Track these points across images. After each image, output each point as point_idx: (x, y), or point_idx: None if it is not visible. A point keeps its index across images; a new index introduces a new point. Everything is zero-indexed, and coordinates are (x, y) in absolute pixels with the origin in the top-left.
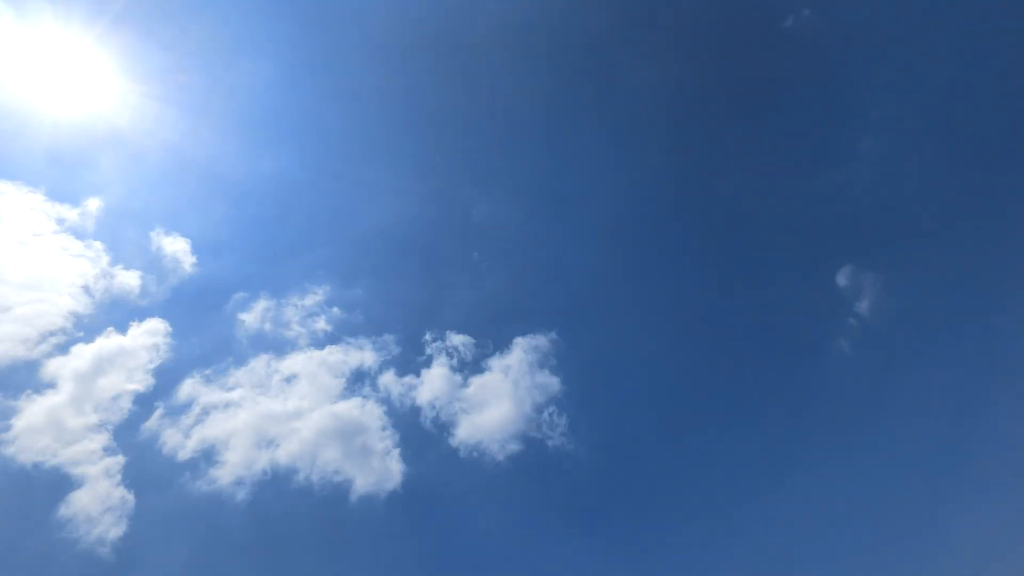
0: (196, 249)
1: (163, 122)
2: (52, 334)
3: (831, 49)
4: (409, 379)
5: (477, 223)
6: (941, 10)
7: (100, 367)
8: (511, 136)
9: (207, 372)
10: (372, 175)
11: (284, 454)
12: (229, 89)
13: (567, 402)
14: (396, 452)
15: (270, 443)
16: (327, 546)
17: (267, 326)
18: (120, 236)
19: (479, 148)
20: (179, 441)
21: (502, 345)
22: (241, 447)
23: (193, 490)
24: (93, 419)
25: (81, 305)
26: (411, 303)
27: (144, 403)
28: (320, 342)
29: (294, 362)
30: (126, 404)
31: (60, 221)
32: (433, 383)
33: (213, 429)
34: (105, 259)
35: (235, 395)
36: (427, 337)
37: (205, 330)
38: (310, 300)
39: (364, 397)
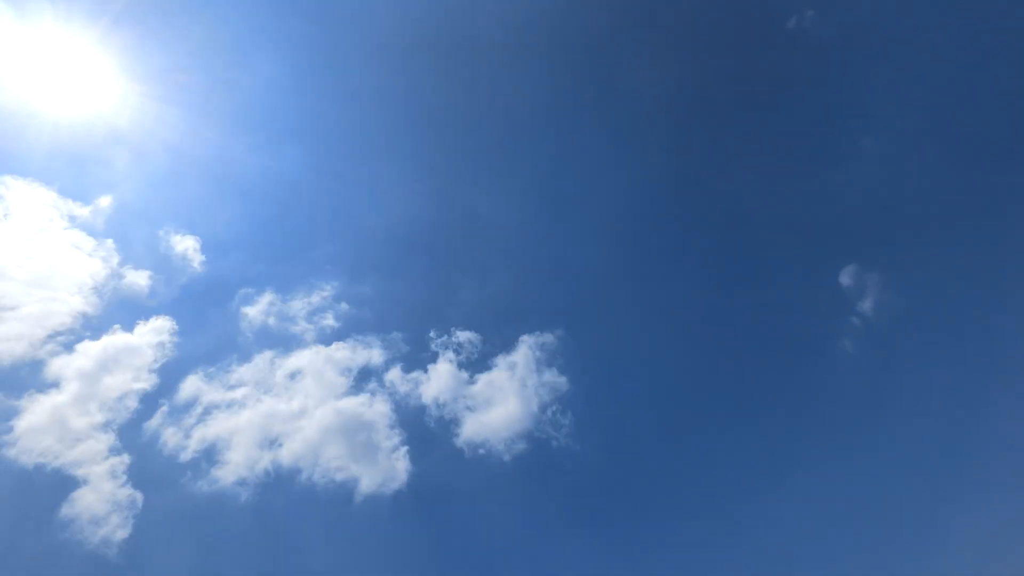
0: (205, 247)
1: (171, 121)
2: (59, 333)
3: (834, 49)
4: (415, 376)
5: (483, 221)
6: (942, 11)
7: (106, 366)
8: (518, 135)
9: (214, 370)
10: (379, 173)
11: (291, 451)
12: (237, 88)
13: (572, 400)
14: (402, 449)
15: (276, 441)
16: (334, 542)
17: (275, 324)
18: (130, 234)
19: (486, 147)
20: (187, 440)
21: (508, 343)
22: (248, 445)
23: (199, 489)
24: (98, 418)
25: (89, 303)
26: (417, 300)
27: (150, 402)
28: (327, 339)
29: (301, 359)
30: (132, 403)
31: (72, 219)
32: (439, 380)
33: (220, 427)
34: (115, 257)
35: (242, 393)
36: (433, 334)
37: (213, 328)
38: (317, 297)
39: (371, 394)
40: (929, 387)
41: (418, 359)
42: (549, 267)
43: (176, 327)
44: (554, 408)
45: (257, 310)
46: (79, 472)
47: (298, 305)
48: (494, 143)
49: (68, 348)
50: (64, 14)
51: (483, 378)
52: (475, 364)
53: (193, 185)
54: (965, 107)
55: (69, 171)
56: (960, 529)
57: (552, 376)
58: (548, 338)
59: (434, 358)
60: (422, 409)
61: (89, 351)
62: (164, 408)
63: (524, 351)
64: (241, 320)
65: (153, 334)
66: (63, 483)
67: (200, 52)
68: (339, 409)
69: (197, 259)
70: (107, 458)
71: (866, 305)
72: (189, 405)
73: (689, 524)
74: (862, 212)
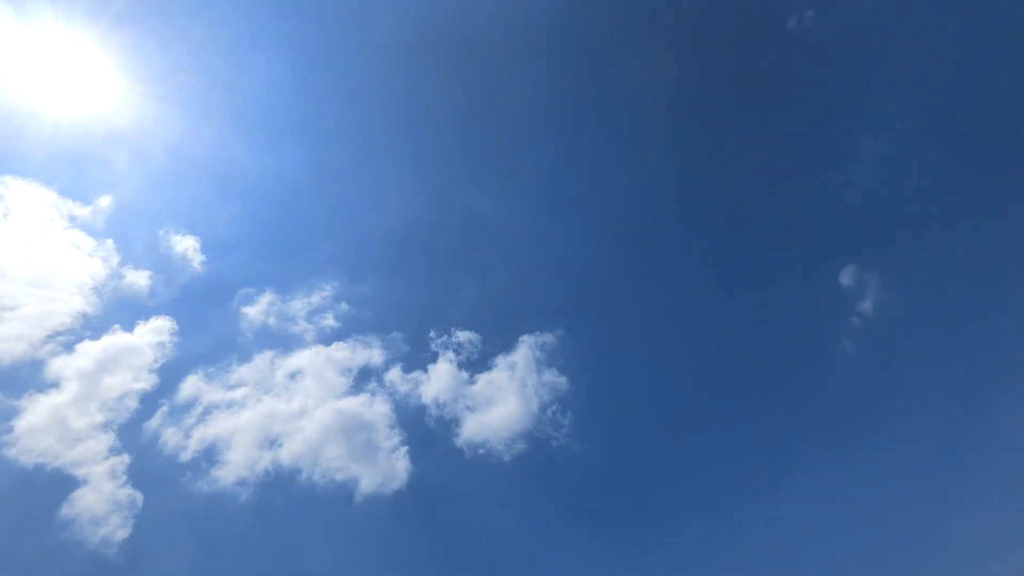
0: (205, 247)
1: (171, 121)
2: (59, 333)
3: (834, 49)
4: (415, 376)
5: (483, 221)
6: (942, 10)
7: (106, 366)
8: (518, 135)
9: (214, 370)
10: (379, 173)
11: (291, 451)
12: (237, 88)
13: (572, 400)
14: (402, 449)
15: (276, 441)
16: (334, 542)
17: (275, 324)
18: (130, 234)
19: (486, 147)
20: (187, 440)
21: (508, 343)
22: (248, 445)
23: (200, 489)
24: (98, 418)
25: (89, 303)
26: (417, 300)
27: (150, 402)
28: (327, 339)
29: (301, 359)
30: (132, 403)
31: (72, 219)
32: (439, 380)
33: (220, 427)
34: (115, 257)
35: (242, 393)
36: (433, 334)
37: (213, 328)
38: (317, 297)
39: (371, 394)
40: (929, 387)
41: (418, 359)
42: (549, 267)
43: (176, 327)
44: (554, 408)
45: (257, 310)
46: (79, 472)
47: (298, 305)
48: (494, 143)
49: (68, 348)
50: (64, 14)
51: (483, 378)
52: (475, 364)
53: (193, 185)
54: (965, 107)
55: (69, 171)
56: (960, 529)
57: (552, 376)
58: (548, 338)
59: (434, 358)
60: (422, 409)
61: (89, 351)
62: (164, 408)
63: (524, 351)
64: (241, 320)
65: (153, 334)
66: (63, 483)
67: (200, 52)
68: (339, 409)
69: (197, 259)
70: (107, 458)
71: (866, 305)
72: (189, 405)
73: (689, 524)
74: (862, 212)
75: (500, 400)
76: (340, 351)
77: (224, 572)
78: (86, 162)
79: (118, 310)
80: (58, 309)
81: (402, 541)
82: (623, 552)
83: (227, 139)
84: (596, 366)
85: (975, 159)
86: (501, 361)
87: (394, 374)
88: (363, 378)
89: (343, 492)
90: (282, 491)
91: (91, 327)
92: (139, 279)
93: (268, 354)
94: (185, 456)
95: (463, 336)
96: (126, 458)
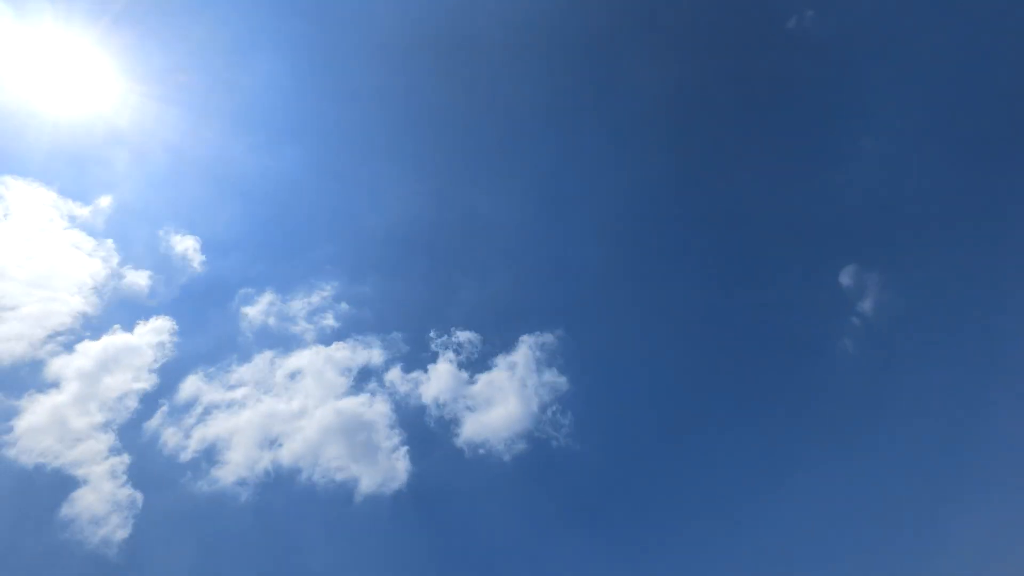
0: (205, 247)
1: (171, 121)
2: (59, 333)
3: (834, 49)
4: (415, 375)
5: (483, 221)
6: (943, 10)
7: (106, 366)
8: (518, 135)
9: (214, 370)
10: (379, 173)
11: (291, 451)
12: (237, 88)
13: (572, 400)
14: (402, 449)
15: (276, 441)
16: (334, 542)
17: (275, 324)
18: (130, 234)
19: (486, 147)
20: (187, 440)
21: (508, 343)
22: (248, 445)
23: (200, 489)
24: (98, 418)
25: (89, 303)
26: (417, 300)
27: (150, 402)
28: (327, 339)
29: (301, 359)
30: (132, 403)
31: (72, 219)
32: (439, 380)
33: (220, 427)
34: (115, 257)
35: (242, 393)
36: (433, 334)
37: (213, 328)
38: (317, 297)
39: (371, 394)
40: (929, 387)
41: (418, 359)
42: (549, 267)
43: (176, 327)
44: (554, 408)
45: (257, 310)
46: (79, 472)
47: (298, 305)
48: (494, 143)
49: (68, 348)
50: (64, 14)
51: (483, 378)
52: (475, 364)
53: (193, 185)
54: (965, 107)
55: (69, 171)
56: (960, 529)
57: (552, 376)
58: (548, 338)
59: (434, 358)
60: (422, 409)
61: (89, 351)
62: (164, 408)
63: (524, 351)
64: (241, 320)
65: (153, 334)
66: (63, 483)
67: (200, 52)
68: (339, 409)
69: (197, 259)
70: (107, 458)
71: (866, 305)
72: (189, 405)
73: (689, 524)
74: (862, 212)
75: (500, 400)
76: (340, 351)
77: (224, 572)
78: (86, 162)
79: (118, 310)
80: (58, 309)
81: (402, 541)
82: (623, 552)
83: (227, 139)
84: (596, 366)
85: (975, 159)
86: (501, 361)
87: (394, 374)
88: (363, 378)
89: (343, 492)
90: (282, 491)
91: (91, 327)
92: (139, 279)
93: (268, 354)
94: (185, 456)
95: (463, 336)
96: (126, 458)
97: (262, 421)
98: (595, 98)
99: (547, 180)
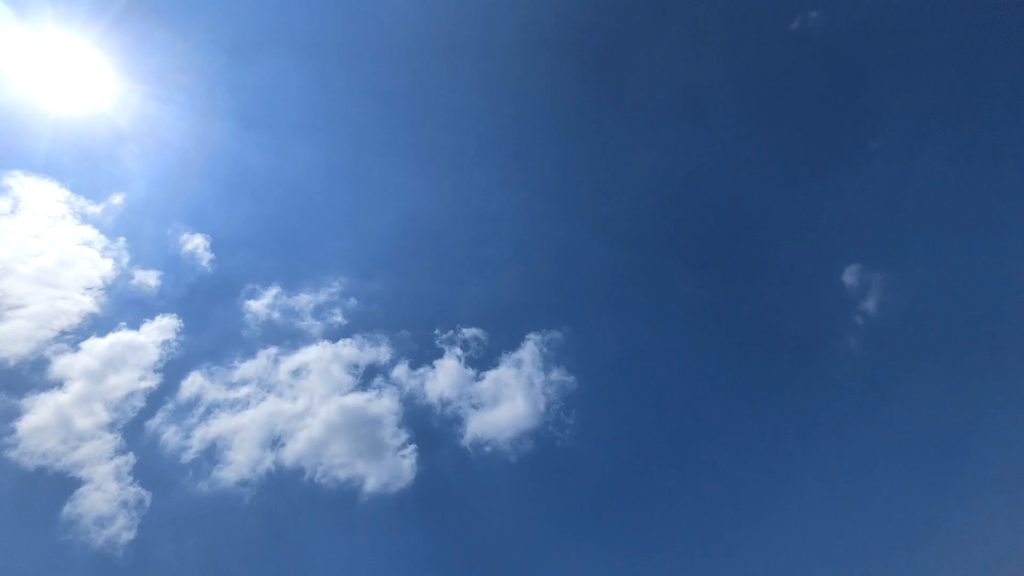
0: (214, 245)
1: (181, 120)
2: (67, 332)
3: (838, 50)
4: (422, 372)
5: (491, 219)
6: (946, 11)
7: (112, 364)
8: (525, 133)
9: (222, 368)
10: (387, 171)
11: (298, 449)
12: (247, 88)
13: (578, 398)
14: (409, 446)
15: (283, 440)
16: (340, 538)
17: (283, 321)
18: (140, 232)
19: (493, 145)
20: (194, 439)
21: (515, 340)
22: (255, 443)
23: (207, 488)
24: (104, 417)
25: (97, 301)
26: (425, 297)
27: (156, 401)
28: (334, 335)
29: (309, 356)
30: (138, 402)
31: (83, 216)
32: (446, 377)
33: (227, 425)
34: (124, 254)
35: (250, 390)
36: (439, 331)
37: (221, 326)
38: (325, 294)
39: (377, 390)
40: (932, 386)
41: (424, 356)
42: (555, 265)
43: (185, 325)
44: (559, 405)
45: (265, 307)
46: (84, 472)
47: (306, 302)
48: (501, 141)
49: (75, 346)
50: (77, 14)
51: (490, 375)
52: (482, 361)
53: (203, 183)
54: (969, 107)
55: (82, 169)
56: (960, 529)
57: (558, 374)
58: (554, 336)
59: (440, 355)
60: (428, 406)
61: (96, 349)
62: (170, 407)
63: (531, 348)
64: (249, 318)
65: (161, 332)
66: (68, 483)
67: (211, 52)
68: (346, 406)
69: (206, 257)
70: (112, 458)
71: (869, 304)
72: (196, 403)
73: (694, 522)
74: (865, 211)
75: (506, 397)
76: (347, 348)
77: (233, 571)
78: (98, 160)
79: (126, 308)
80: (67, 308)
81: (407, 539)
82: (629, 551)
83: (237, 138)
84: (602, 364)
85: (979, 159)
86: (507, 358)
87: (401, 371)
88: (370, 375)
89: (349, 489)
90: (291, 488)
91: (99, 325)
92: (148, 277)
93: (276, 351)
94: (192, 455)
95: (469, 333)
96: (132, 457)
97: (270, 419)
98: (601, 98)
99: (554, 178)
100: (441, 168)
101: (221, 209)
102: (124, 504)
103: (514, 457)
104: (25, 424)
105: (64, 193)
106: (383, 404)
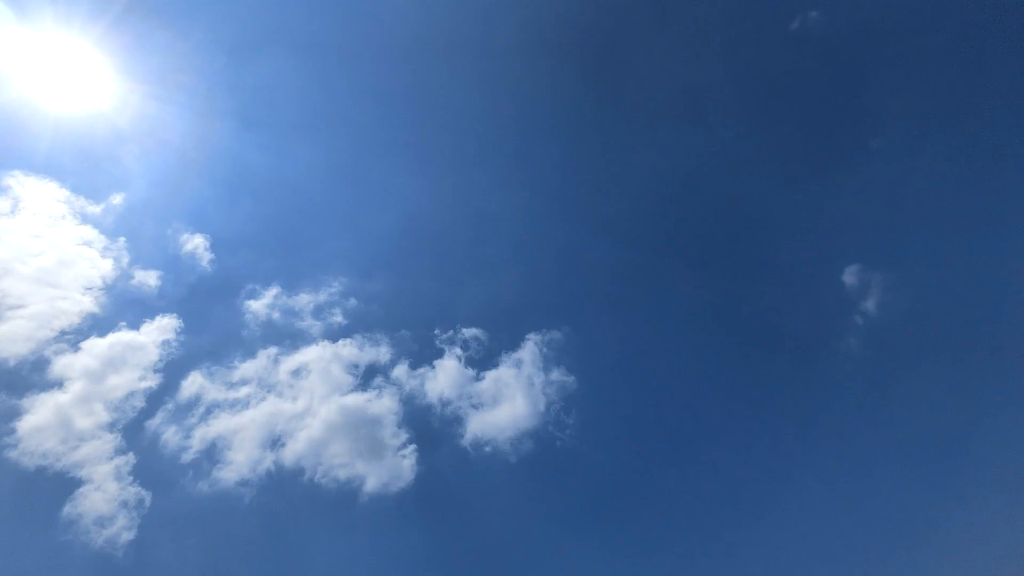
0: (214, 245)
1: (181, 120)
2: (67, 331)
3: (838, 50)
4: (422, 372)
5: (491, 218)
6: (946, 11)
7: (112, 364)
8: (525, 133)
9: (221, 368)
10: (387, 171)
11: (298, 449)
12: (247, 87)
13: (578, 398)
14: (409, 446)
15: (283, 440)
16: (340, 538)
17: (282, 321)
18: (140, 232)
19: (493, 145)
20: (194, 439)
21: (515, 340)
22: (254, 444)
23: (207, 488)
24: (104, 417)
25: (97, 301)
26: (425, 297)
27: (156, 401)
28: (334, 335)
29: (309, 356)
30: (138, 402)
31: (83, 216)
32: (446, 377)
33: (227, 425)
34: (125, 255)
35: (250, 390)
36: (439, 331)
37: (221, 326)
38: (325, 294)
39: (377, 390)
40: (932, 387)
41: (424, 356)
42: (556, 265)
43: (184, 325)
44: (559, 405)
45: (265, 307)
46: (84, 472)
47: (306, 302)
48: (502, 141)
49: (75, 346)
50: (85, 15)
51: (490, 375)
52: (482, 361)
53: (203, 183)
54: (969, 107)
55: (82, 169)
56: (960, 529)
57: (558, 374)
58: (554, 336)
59: (440, 355)
60: (428, 406)
61: (96, 349)
62: (170, 407)
63: (531, 348)
64: (249, 318)
65: (161, 332)
66: (68, 483)
67: (210, 51)
68: (346, 406)
69: (206, 257)
70: (112, 458)
71: (869, 304)
72: (196, 403)
73: (694, 523)
74: (865, 211)
75: (506, 397)
76: (347, 348)
77: (233, 571)
78: (99, 160)
79: (126, 308)
80: (67, 308)
81: (407, 539)
82: (629, 551)
83: (237, 138)
84: (601, 364)
85: (979, 159)
86: (507, 358)
87: (401, 371)
88: (370, 375)
89: (349, 489)
90: (291, 488)
91: (99, 325)
92: (148, 277)
93: (276, 351)
94: (192, 455)
95: (469, 333)
96: (132, 457)
97: (270, 418)
98: (601, 98)
99: (554, 178)
100: (441, 168)
101: (221, 209)
102: (124, 504)
103: (514, 457)
104: (25, 424)
105: (64, 193)
106: (383, 404)
